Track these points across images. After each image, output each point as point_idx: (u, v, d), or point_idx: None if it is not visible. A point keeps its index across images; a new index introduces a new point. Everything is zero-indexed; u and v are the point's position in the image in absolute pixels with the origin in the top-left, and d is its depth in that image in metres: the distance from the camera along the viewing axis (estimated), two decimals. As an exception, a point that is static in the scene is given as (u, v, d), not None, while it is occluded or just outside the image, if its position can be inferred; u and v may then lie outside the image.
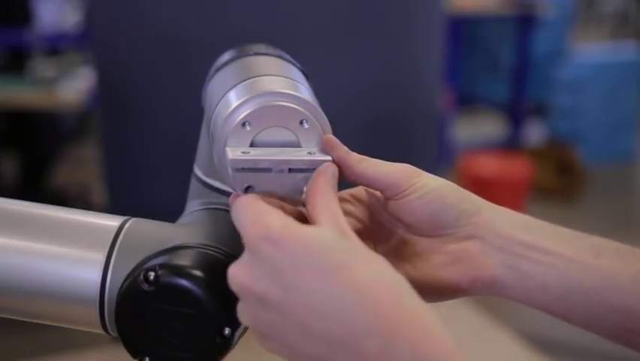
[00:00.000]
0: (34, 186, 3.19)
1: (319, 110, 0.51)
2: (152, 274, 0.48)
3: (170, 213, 0.60)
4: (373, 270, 0.43)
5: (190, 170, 0.61)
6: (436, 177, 0.53)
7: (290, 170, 0.49)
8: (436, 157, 2.16)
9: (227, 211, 0.55)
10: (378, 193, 0.54)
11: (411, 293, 0.42)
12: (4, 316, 0.53)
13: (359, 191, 0.56)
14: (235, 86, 0.52)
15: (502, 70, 4.45)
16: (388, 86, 1.78)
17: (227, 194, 0.56)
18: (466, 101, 4.46)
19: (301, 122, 0.50)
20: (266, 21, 1.66)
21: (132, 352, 0.50)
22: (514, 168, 3.44)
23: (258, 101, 0.50)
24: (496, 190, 3.18)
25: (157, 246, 0.51)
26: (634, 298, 0.48)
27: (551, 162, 3.74)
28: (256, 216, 0.45)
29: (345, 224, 0.45)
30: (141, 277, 0.48)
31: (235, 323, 0.49)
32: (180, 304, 0.48)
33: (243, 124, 0.50)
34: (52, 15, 3.04)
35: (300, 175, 0.49)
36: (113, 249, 0.51)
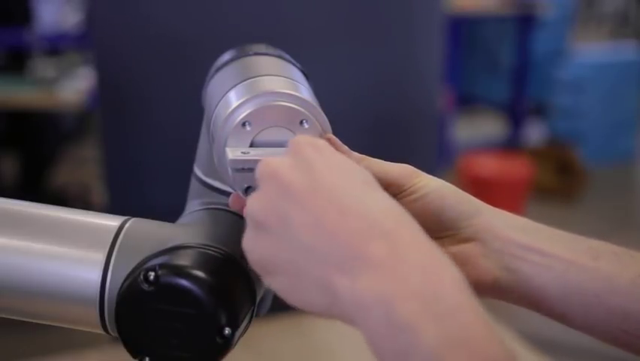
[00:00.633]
0: (34, 186, 3.19)
1: (319, 110, 0.51)
2: (152, 274, 0.48)
3: (170, 213, 0.60)
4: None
5: (190, 170, 0.61)
6: (436, 178, 0.53)
7: None
8: (436, 157, 2.15)
9: (228, 211, 0.55)
10: None
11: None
12: (4, 316, 0.53)
13: None
14: (235, 86, 0.52)
15: (502, 70, 4.45)
16: (388, 86, 1.78)
17: (227, 194, 0.56)
18: (466, 101, 4.46)
19: (301, 122, 0.50)
20: (266, 21, 1.66)
21: (132, 352, 0.50)
22: (514, 168, 3.44)
23: (258, 101, 0.50)
24: (496, 190, 3.19)
25: (157, 246, 0.51)
26: (631, 300, 0.48)
27: (551, 162, 3.74)
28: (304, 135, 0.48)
29: None
30: (141, 277, 0.48)
31: (235, 323, 0.49)
32: (180, 304, 0.48)
33: (243, 124, 0.50)
34: (52, 15, 3.04)
35: (299, 175, 0.49)
36: (113, 249, 0.51)
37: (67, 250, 0.51)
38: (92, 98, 2.63)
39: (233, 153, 0.49)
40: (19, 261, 0.51)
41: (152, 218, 0.55)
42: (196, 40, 1.63)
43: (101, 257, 0.51)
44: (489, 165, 3.43)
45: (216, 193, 0.58)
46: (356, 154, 0.52)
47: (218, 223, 0.55)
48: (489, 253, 0.51)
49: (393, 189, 0.51)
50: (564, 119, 4.17)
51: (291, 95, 0.50)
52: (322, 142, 0.46)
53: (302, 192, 0.43)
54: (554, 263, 0.49)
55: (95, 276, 0.51)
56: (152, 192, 1.74)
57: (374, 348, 0.39)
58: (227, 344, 0.49)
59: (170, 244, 0.51)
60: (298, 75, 0.56)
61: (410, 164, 0.53)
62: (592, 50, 4.76)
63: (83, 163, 3.68)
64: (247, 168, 0.49)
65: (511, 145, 4.04)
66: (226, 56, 0.59)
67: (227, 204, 0.54)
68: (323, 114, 0.51)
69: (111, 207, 1.81)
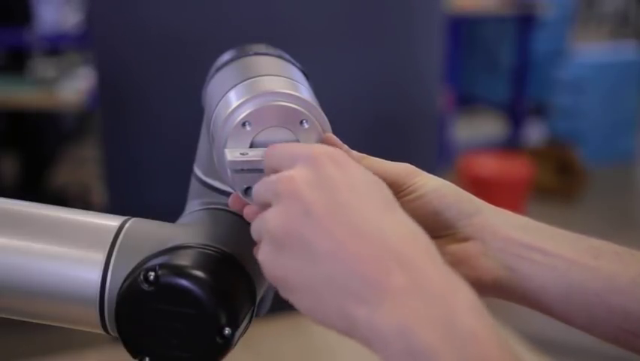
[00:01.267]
0: (34, 186, 3.19)
1: (319, 110, 0.51)
2: (152, 274, 0.48)
3: (170, 213, 0.60)
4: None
5: (190, 170, 0.61)
6: (436, 177, 0.53)
7: None
8: (435, 157, 2.16)
9: (228, 211, 0.55)
10: None
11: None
12: (4, 316, 0.53)
13: None
14: (235, 86, 0.52)
15: (502, 70, 4.45)
16: (388, 85, 1.78)
17: (227, 194, 0.56)
18: (466, 101, 4.46)
19: (301, 122, 0.50)
20: (266, 21, 1.66)
21: (132, 352, 0.50)
22: (514, 168, 3.44)
23: (258, 101, 0.50)
24: (496, 190, 3.18)
25: (157, 246, 0.51)
26: (632, 299, 0.48)
27: (551, 162, 3.74)
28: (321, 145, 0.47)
29: None
30: (141, 277, 0.48)
31: (235, 323, 0.49)
32: (180, 304, 0.48)
33: (243, 124, 0.50)
34: (52, 15, 3.04)
35: (299, 175, 0.49)
36: (113, 249, 0.51)
37: (67, 250, 0.51)
38: (92, 98, 2.63)
39: (232, 154, 0.49)
40: (19, 261, 0.51)
41: (152, 218, 0.55)
42: (196, 40, 1.63)
43: (101, 257, 0.51)
44: (489, 165, 3.43)
45: (216, 193, 0.58)
46: (356, 153, 0.52)
47: (218, 223, 0.55)
48: (489, 252, 0.51)
49: (394, 188, 0.51)
50: (564, 119, 4.17)
51: (291, 95, 0.50)
52: (342, 155, 0.45)
53: (323, 215, 0.42)
54: (556, 262, 0.49)
55: (95, 276, 0.51)
56: (152, 192, 1.74)
57: None
58: (227, 344, 0.49)
59: (170, 244, 0.51)
60: (298, 75, 0.56)
61: (410, 164, 0.53)
62: (592, 50, 4.76)
63: (83, 163, 3.68)
64: (246, 169, 0.49)
65: (511, 145, 4.04)
66: (226, 56, 0.59)
67: (227, 204, 0.54)
68: (323, 114, 0.51)
69: (111, 207, 1.81)
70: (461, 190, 0.53)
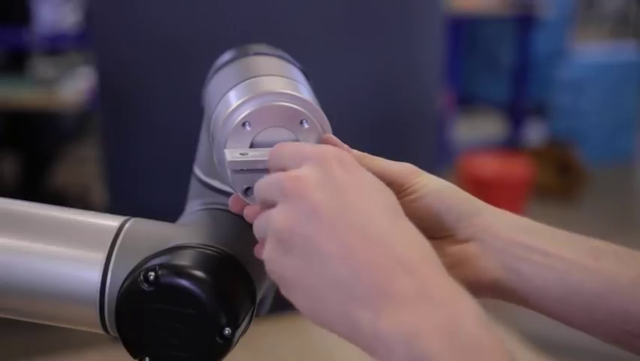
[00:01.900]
0: (34, 186, 3.19)
1: (319, 110, 0.51)
2: (152, 275, 0.48)
3: (170, 213, 0.60)
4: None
5: (190, 170, 0.61)
6: (436, 177, 0.53)
7: None
8: (435, 157, 2.15)
9: (228, 211, 0.55)
10: None
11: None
12: (4, 316, 0.53)
13: None
14: (235, 86, 0.52)
15: (502, 70, 4.44)
16: (388, 86, 1.78)
17: (227, 194, 0.56)
18: (466, 101, 4.45)
19: (301, 122, 0.50)
20: (266, 21, 1.66)
21: (132, 352, 0.50)
22: (514, 168, 3.44)
23: (258, 101, 0.50)
24: (496, 190, 3.18)
25: (157, 246, 0.51)
26: (633, 300, 0.48)
27: (551, 162, 3.74)
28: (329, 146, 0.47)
29: None
30: (141, 277, 0.48)
31: (235, 323, 0.49)
32: (180, 304, 0.48)
33: (243, 124, 0.50)
34: (52, 15, 3.04)
35: (299, 175, 0.49)
36: (113, 249, 0.51)
37: (67, 250, 0.51)
38: (92, 98, 2.62)
39: (231, 154, 0.49)
40: (19, 261, 0.51)
41: (152, 218, 0.55)
42: (196, 40, 1.63)
43: (101, 257, 0.51)
44: (489, 165, 3.43)
45: (216, 193, 0.58)
46: (356, 152, 0.52)
47: (218, 223, 0.55)
48: (489, 253, 0.50)
49: (394, 188, 0.51)
50: (564, 119, 4.17)
51: (291, 95, 0.50)
52: (349, 158, 0.45)
53: (330, 217, 0.42)
54: (556, 263, 0.49)
55: (95, 276, 0.51)
56: (152, 192, 1.74)
57: None
58: (227, 344, 0.49)
59: (170, 244, 0.51)
60: (298, 75, 0.56)
61: (410, 163, 0.53)
62: (592, 50, 4.76)
63: (82, 163, 3.68)
64: (246, 170, 0.49)
65: (511, 145, 4.04)
66: (226, 56, 0.59)
67: (227, 205, 0.54)
68: (323, 114, 0.51)
69: (111, 207, 1.81)
70: (462, 191, 0.53)
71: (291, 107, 0.50)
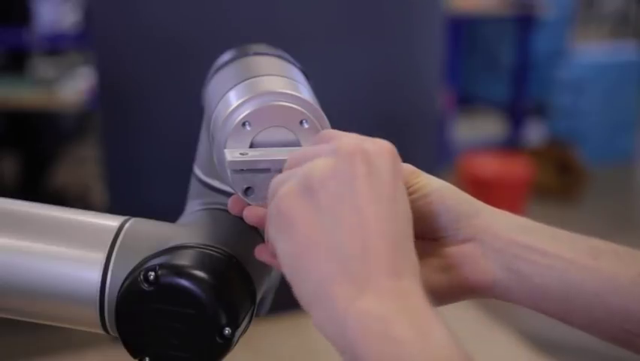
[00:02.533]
0: (34, 186, 3.19)
1: (319, 110, 0.51)
2: (152, 274, 0.48)
3: (170, 213, 0.60)
4: None
5: (190, 170, 0.61)
6: (436, 178, 0.53)
7: None
8: (435, 157, 2.16)
9: (228, 211, 0.55)
10: None
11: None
12: (4, 316, 0.53)
13: None
14: (235, 86, 0.52)
15: (502, 70, 4.45)
16: (388, 86, 1.78)
17: (227, 194, 0.56)
18: (466, 101, 4.45)
19: (301, 122, 0.50)
20: (266, 21, 1.66)
21: (132, 352, 0.50)
22: (514, 168, 3.44)
23: (257, 101, 0.50)
24: (496, 190, 3.19)
25: (157, 246, 0.51)
26: (632, 299, 0.48)
27: (551, 162, 3.74)
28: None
29: None
30: (141, 277, 0.48)
31: (235, 323, 0.49)
32: (180, 304, 0.48)
33: (243, 124, 0.50)
34: (52, 15, 3.04)
35: (299, 174, 0.49)
36: (113, 249, 0.51)
37: (67, 250, 0.51)
38: (92, 98, 2.63)
39: (231, 154, 0.49)
40: (19, 261, 0.51)
41: (152, 218, 0.55)
42: (196, 40, 1.63)
43: (101, 257, 0.51)
44: (489, 165, 3.43)
45: (216, 193, 0.58)
46: None
47: (218, 223, 0.55)
48: (489, 254, 0.51)
49: None
50: (564, 119, 4.17)
51: (291, 95, 0.50)
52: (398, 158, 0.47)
53: (364, 191, 0.43)
54: (555, 263, 0.49)
55: (95, 276, 0.51)
56: (152, 192, 1.74)
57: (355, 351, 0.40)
58: (227, 344, 0.49)
59: (170, 244, 0.51)
60: (298, 75, 0.56)
61: (409, 164, 0.53)
62: (592, 50, 4.76)
63: (82, 163, 3.68)
64: (246, 170, 0.49)
65: (511, 145, 4.04)
66: (226, 56, 0.59)
67: (227, 205, 0.54)
68: (323, 114, 0.51)
69: (111, 207, 1.82)
70: (461, 192, 0.53)
71: (291, 107, 0.50)
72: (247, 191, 0.50)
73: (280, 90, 0.50)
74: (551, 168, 3.72)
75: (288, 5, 1.67)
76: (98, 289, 0.50)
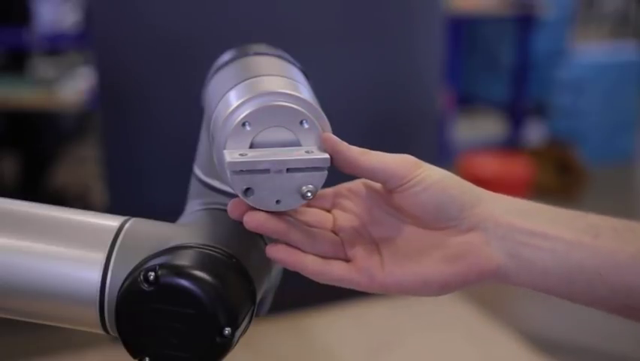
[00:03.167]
0: (34, 186, 3.19)
1: (319, 110, 0.51)
2: (152, 274, 0.48)
3: (170, 213, 0.60)
4: None
5: (190, 170, 0.61)
6: (437, 168, 0.53)
7: (288, 170, 0.49)
8: (435, 157, 2.15)
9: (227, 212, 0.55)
10: (379, 186, 0.54)
11: None
12: (4, 316, 0.53)
13: (357, 186, 0.56)
14: (235, 86, 0.52)
15: (502, 70, 4.44)
16: (388, 86, 1.78)
17: (227, 194, 0.56)
18: (466, 101, 4.45)
19: (301, 122, 0.50)
20: (266, 21, 1.66)
21: (132, 352, 0.50)
22: (514, 168, 3.44)
23: (257, 102, 0.50)
24: (496, 190, 3.16)
25: (157, 246, 0.51)
26: (634, 275, 0.49)
27: (551, 162, 3.74)
28: None
29: None
30: (141, 277, 0.48)
31: (235, 323, 0.48)
32: (180, 304, 0.48)
33: (243, 124, 0.50)
34: (52, 15, 3.04)
35: (298, 175, 0.49)
36: (113, 249, 0.51)
37: (67, 250, 0.51)
38: (92, 98, 2.62)
39: (231, 155, 0.49)
40: (20, 261, 0.51)
41: (152, 218, 0.55)
42: (196, 40, 1.63)
43: (101, 257, 0.51)
44: (489, 165, 3.43)
45: (216, 193, 0.58)
46: (356, 148, 0.52)
47: (219, 223, 0.55)
48: (492, 241, 0.51)
49: (395, 181, 0.52)
50: (564, 119, 4.17)
51: (291, 95, 0.50)
52: None
53: None
54: (556, 245, 0.50)
55: (95, 276, 0.51)
56: (152, 192, 1.74)
57: None
58: (227, 344, 0.49)
59: (170, 244, 0.51)
60: (298, 75, 0.56)
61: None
62: (592, 50, 4.76)
63: (82, 163, 3.68)
64: (246, 170, 0.49)
65: (511, 145, 4.04)
66: (226, 56, 0.59)
67: (227, 205, 0.54)
68: (323, 114, 0.51)
69: (111, 207, 1.81)
70: (463, 180, 0.53)
71: (291, 107, 0.50)
72: (247, 192, 0.50)
73: (280, 90, 0.50)
74: (551, 168, 3.72)
75: (288, 5, 1.67)
76: (98, 289, 0.50)
